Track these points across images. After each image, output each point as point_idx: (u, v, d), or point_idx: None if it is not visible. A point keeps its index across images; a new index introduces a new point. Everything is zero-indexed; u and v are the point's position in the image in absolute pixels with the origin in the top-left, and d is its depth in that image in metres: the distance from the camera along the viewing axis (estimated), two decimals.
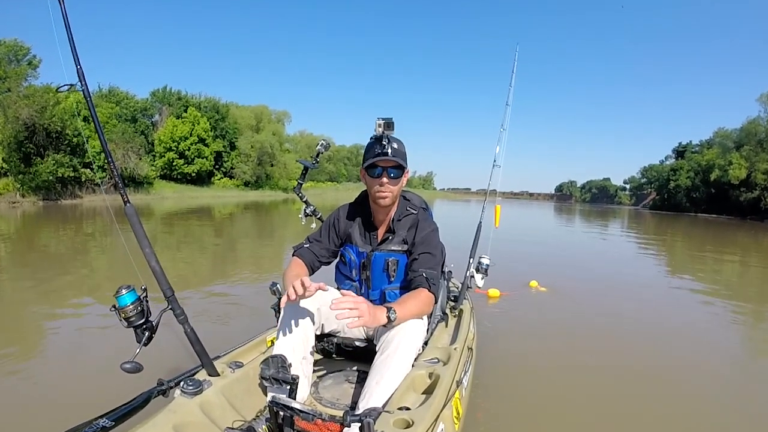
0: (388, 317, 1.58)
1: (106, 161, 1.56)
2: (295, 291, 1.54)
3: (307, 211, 2.54)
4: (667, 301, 5.66)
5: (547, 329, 4.10)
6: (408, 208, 1.98)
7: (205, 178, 43.34)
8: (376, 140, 1.81)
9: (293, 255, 1.97)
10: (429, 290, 1.78)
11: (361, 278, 1.99)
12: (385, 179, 1.81)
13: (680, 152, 61.78)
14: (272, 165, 49.32)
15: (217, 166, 45.10)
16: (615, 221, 28.75)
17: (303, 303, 1.78)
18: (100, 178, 25.64)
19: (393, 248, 1.91)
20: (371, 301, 1.99)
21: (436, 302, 2.03)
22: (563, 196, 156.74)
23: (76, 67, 1.49)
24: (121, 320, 1.48)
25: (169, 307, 1.58)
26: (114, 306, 1.47)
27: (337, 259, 2.08)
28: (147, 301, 1.52)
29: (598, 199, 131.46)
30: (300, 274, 1.84)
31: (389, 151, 1.78)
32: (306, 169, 2.57)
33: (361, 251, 1.95)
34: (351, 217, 2.01)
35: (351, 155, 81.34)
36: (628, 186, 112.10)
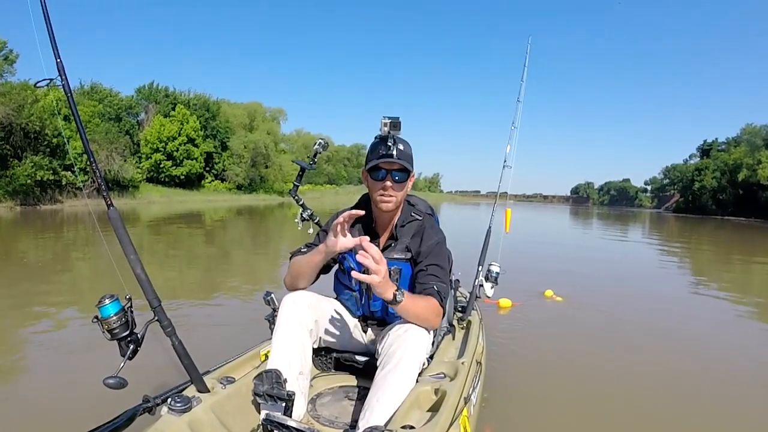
0: (395, 296, 1.60)
1: (88, 163, 1.56)
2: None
3: (304, 216, 2.54)
4: (695, 312, 5.62)
5: (563, 342, 4.09)
6: (412, 214, 1.97)
7: (195, 181, 43.46)
8: (381, 140, 1.80)
9: (291, 260, 1.97)
10: (440, 304, 1.78)
11: (361, 288, 1.98)
12: (389, 183, 1.80)
13: (705, 151, 61.68)
14: (267, 167, 49.45)
15: (207, 168, 45.23)
16: (635, 225, 28.72)
17: (299, 314, 1.78)
18: (81, 181, 25.71)
19: (396, 256, 1.91)
20: (372, 312, 2.00)
21: (443, 317, 2.03)
22: (579, 198, 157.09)
23: (56, 60, 1.49)
24: (104, 332, 1.48)
25: (156, 318, 1.58)
26: (96, 317, 1.47)
27: (336, 267, 2.07)
28: (132, 312, 1.52)
29: (617, 201, 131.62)
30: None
31: (394, 152, 1.77)
32: (302, 170, 2.57)
33: None
34: (351, 222, 2.01)
35: (351, 156, 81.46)
36: (649, 187, 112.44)
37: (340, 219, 1.65)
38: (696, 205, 55.51)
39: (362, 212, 1.67)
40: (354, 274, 1.59)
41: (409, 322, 1.77)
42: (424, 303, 1.73)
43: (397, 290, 1.61)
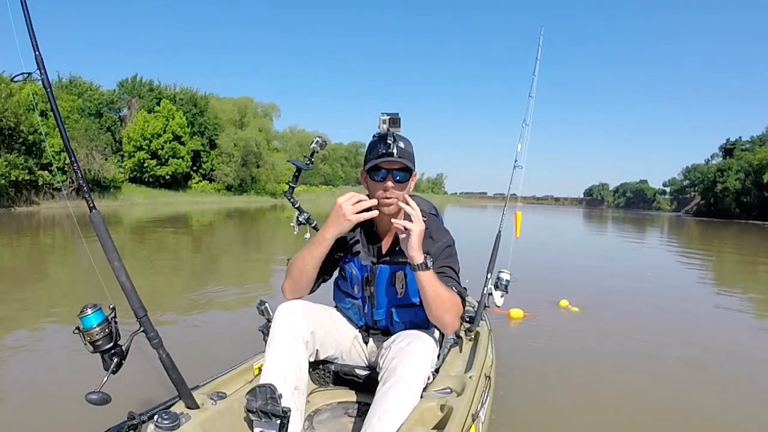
0: (425, 259, 1.69)
1: (66, 161, 1.56)
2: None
3: (300, 219, 2.52)
4: (721, 326, 5.60)
5: (579, 357, 4.08)
6: None
7: (181, 181, 43.50)
8: (380, 138, 1.81)
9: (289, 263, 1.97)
10: (461, 303, 1.81)
11: (364, 295, 1.98)
12: (389, 183, 1.80)
13: (728, 150, 61.77)
14: (258, 166, 49.52)
15: (194, 168, 45.26)
16: (654, 230, 28.75)
17: (295, 324, 1.78)
18: (59, 181, 25.68)
19: (401, 260, 1.90)
20: (375, 321, 2.00)
21: (462, 321, 2.03)
22: (593, 200, 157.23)
23: (34, 52, 1.48)
24: (86, 344, 1.47)
25: (142, 329, 1.58)
26: (78, 328, 1.47)
27: (336, 274, 2.07)
28: (116, 323, 1.52)
29: (633, 204, 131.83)
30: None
31: (395, 150, 1.77)
32: (299, 170, 2.56)
33: (364, 264, 1.95)
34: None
35: (349, 155, 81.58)
36: (668, 189, 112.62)
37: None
38: (718, 208, 55.53)
39: (374, 202, 1.73)
40: (395, 222, 1.72)
41: (413, 333, 1.78)
42: (447, 289, 1.75)
43: (426, 257, 1.69)
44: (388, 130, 1.78)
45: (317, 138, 2.45)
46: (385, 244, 1.96)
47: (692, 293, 7.78)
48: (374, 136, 1.85)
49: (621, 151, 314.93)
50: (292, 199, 2.57)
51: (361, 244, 1.98)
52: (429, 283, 1.68)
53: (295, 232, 2.49)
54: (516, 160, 3.48)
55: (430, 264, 1.67)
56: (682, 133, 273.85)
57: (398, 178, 1.81)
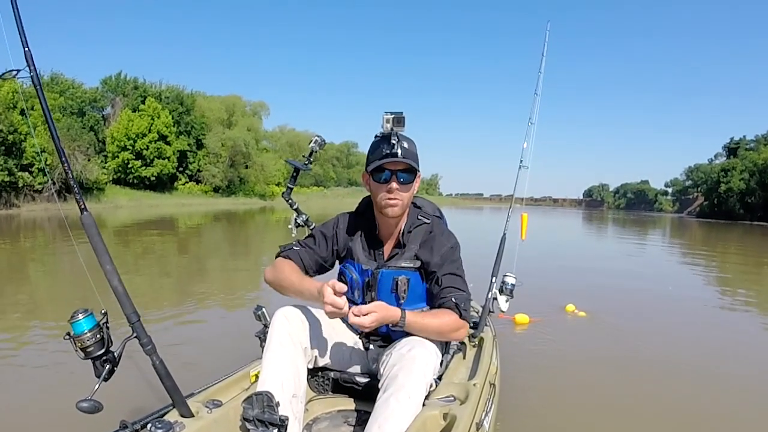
0: (398, 322, 1.69)
1: (48, 162, 1.55)
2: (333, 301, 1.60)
3: (299, 221, 2.53)
4: (731, 330, 5.59)
5: (587, 363, 4.08)
6: (419, 217, 1.98)
7: (167, 182, 43.37)
8: (383, 138, 1.81)
9: (281, 256, 1.96)
10: (460, 317, 1.81)
11: (364, 300, 1.97)
12: (394, 185, 1.80)
13: (732, 149, 62.34)
14: (247, 167, 49.45)
15: (181, 169, 45.14)
16: (656, 232, 28.89)
17: (293, 330, 1.78)
18: (42, 183, 25.52)
19: (403, 265, 1.91)
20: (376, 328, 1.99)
21: (470, 328, 2.04)
22: (593, 201, 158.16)
23: (24, 49, 1.48)
24: (77, 350, 1.47)
25: (135, 335, 1.57)
26: (69, 334, 1.46)
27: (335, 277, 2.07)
28: (108, 328, 1.51)
29: (634, 205, 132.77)
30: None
31: (399, 151, 1.77)
32: (297, 171, 2.56)
33: (365, 269, 1.95)
34: (352, 229, 2.01)
35: (340, 155, 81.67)
36: (670, 190, 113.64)
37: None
38: (722, 209, 55.93)
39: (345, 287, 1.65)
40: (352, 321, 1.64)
41: (415, 339, 1.77)
42: (435, 320, 1.76)
43: (397, 322, 1.69)
44: (391, 129, 1.78)
45: (316, 137, 2.46)
46: (387, 249, 1.96)
47: (700, 297, 7.79)
48: (377, 136, 1.84)
49: (622, 150, 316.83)
50: (290, 201, 2.57)
51: (362, 248, 1.98)
52: (416, 328, 1.73)
53: (294, 234, 2.48)
54: (521, 160, 3.46)
55: (402, 323, 1.69)
56: (684, 132, 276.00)
57: (403, 179, 1.81)
